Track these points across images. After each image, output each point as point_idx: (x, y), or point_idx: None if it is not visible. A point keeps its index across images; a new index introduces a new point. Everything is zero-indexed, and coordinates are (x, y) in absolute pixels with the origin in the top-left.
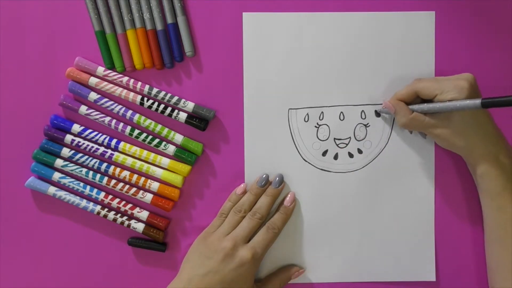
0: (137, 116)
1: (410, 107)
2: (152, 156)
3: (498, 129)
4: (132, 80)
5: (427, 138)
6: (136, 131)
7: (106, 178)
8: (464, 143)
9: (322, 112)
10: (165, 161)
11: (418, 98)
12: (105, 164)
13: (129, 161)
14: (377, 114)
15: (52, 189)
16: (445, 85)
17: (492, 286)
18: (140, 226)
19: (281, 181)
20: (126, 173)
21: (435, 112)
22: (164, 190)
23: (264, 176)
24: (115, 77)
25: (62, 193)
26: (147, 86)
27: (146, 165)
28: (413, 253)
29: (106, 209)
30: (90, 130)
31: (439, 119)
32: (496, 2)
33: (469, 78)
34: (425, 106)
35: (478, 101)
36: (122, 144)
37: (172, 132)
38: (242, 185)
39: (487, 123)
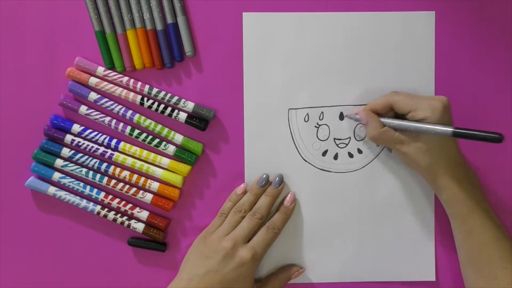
0: (137, 116)
1: (382, 120)
2: (152, 156)
3: (462, 155)
4: (132, 80)
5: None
6: (136, 131)
7: (106, 178)
8: (428, 163)
9: (322, 112)
10: (165, 161)
11: (391, 112)
12: (105, 164)
13: (129, 161)
14: (341, 117)
15: (52, 189)
16: (420, 103)
17: None
18: (140, 226)
19: (281, 181)
20: (126, 173)
21: (405, 130)
22: (164, 190)
23: (264, 176)
24: (115, 77)
25: (62, 193)
26: (147, 86)
27: (146, 165)
28: (413, 253)
29: (106, 209)
30: (90, 130)
31: (408, 136)
32: (496, 2)
33: (443, 101)
34: (396, 123)
35: (449, 130)
36: (122, 144)
37: (172, 132)
38: (242, 185)
39: (452, 147)
